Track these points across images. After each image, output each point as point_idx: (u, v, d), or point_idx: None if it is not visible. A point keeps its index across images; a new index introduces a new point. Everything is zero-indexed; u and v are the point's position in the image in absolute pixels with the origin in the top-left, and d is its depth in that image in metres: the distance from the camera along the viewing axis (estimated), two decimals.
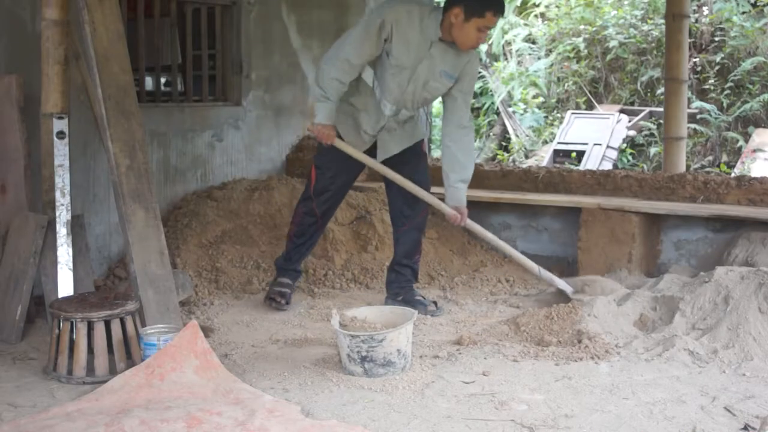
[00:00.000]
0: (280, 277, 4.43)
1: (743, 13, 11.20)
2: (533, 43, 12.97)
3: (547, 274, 4.37)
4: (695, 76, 10.84)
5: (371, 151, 4.23)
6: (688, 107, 8.19)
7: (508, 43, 13.15)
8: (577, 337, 3.65)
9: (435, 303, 4.35)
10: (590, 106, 11.63)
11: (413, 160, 4.29)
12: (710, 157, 10.56)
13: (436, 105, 11.86)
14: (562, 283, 4.33)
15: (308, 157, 5.83)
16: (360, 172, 4.40)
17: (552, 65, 12.27)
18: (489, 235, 4.35)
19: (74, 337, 3.29)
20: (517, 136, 11.70)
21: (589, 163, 9.94)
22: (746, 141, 10.12)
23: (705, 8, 11.27)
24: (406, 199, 4.29)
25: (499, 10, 3.95)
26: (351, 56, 3.97)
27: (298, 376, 3.33)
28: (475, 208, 5.47)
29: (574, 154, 10.22)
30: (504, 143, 11.93)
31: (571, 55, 12.07)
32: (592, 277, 4.47)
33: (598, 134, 10.38)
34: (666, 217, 4.92)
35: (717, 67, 10.83)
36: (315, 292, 4.65)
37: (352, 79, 4.07)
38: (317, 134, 4.08)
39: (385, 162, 4.23)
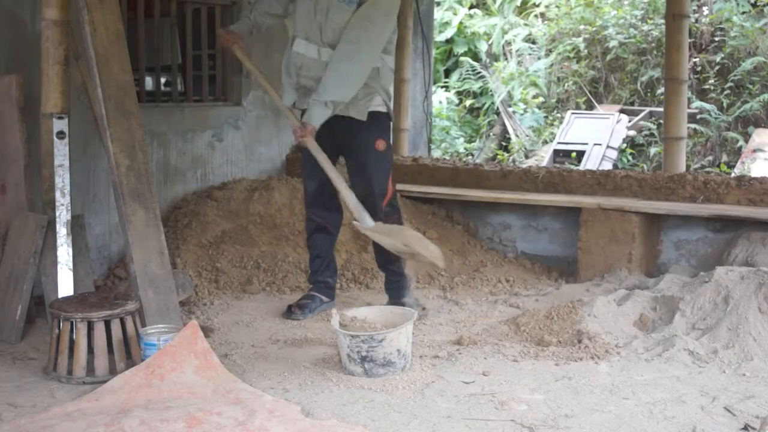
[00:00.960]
0: (310, 290, 4.37)
1: (743, 13, 11.19)
2: (533, 43, 12.97)
3: (357, 207, 3.93)
4: (695, 76, 10.83)
5: (334, 145, 4.11)
6: (688, 107, 8.17)
7: (508, 43, 13.15)
8: (577, 337, 3.65)
9: (424, 308, 4.30)
10: (590, 106, 11.63)
11: (366, 154, 4.06)
12: (710, 157, 10.56)
13: (436, 105, 11.88)
14: (367, 220, 3.92)
15: None
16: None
17: (552, 65, 12.26)
18: (323, 162, 3.96)
19: (74, 337, 3.29)
20: (517, 136, 11.70)
21: (589, 163, 9.93)
22: (746, 141, 10.12)
23: (705, 8, 11.27)
24: (369, 207, 4.10)
25: None
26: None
27: (298, 376, 3.33)
28: (476, 208, 5.50)
29: (574, 154, 10.22)
30: (504, 143, 11.93)
31: (571, 55, 12.07)
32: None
33: (598, 134, 10.37)
34: (666, 217, 4.92)
35: (717, 67, 10.83)
36: None
37: (275, 11, 4.28)
38: (221, 38, 4.27)
39: (346, 148, 4.11)
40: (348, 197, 3.94)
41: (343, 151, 4.19)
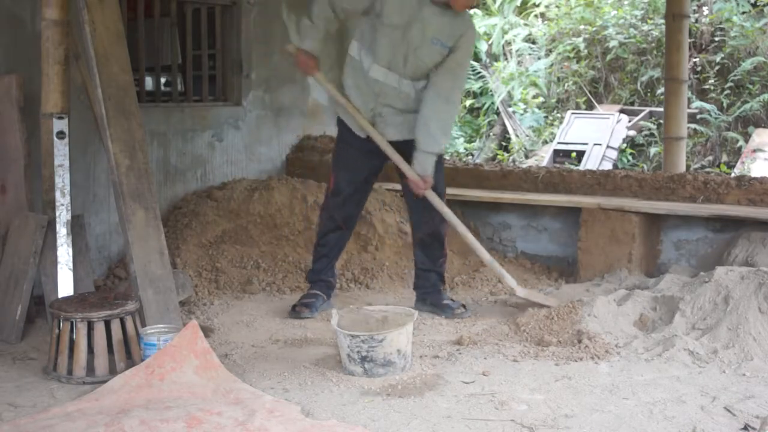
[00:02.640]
0: (311, 289, 4.36)
1: (743, 13, 11.19)
2: (533, 43, 12.96)
3: (497, 268, 4.22)
4: (695, 76, 10.83)
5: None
6: (688, 107, 8.18)
7: (508, 43, 13.14)
8: (577, 337, 3.65)
9: (464, 306, 4.31)
10: (590, 106, 11.62)
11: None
12: (710, 157, 10.55)
13: None
14: (509, 279, 4.23)
15: (308, 157, 5.84)
16: (376, 175, 4.31)
17: (552, 65, 12.26)
18: (447, 211, 4.17)
19: (74, 337, 3.29)
20: (517, 136, 11.69)
21: (589, 163, 9.93)
22: (746, 141, 10.11)
23: (705, 8, 11.26)
24: (418, 206, 4.25)
25: None
26: (343, 2, 3.95)
27: (298, 376, 3.33)
28: (475, 208, 5.50)
29: (574, 154, 10.22)
30: (504, 143, 11.92)
31: (571, 55, 12.06)
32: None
33: (598, 134, 10.37)
34: (666, 217, 4.92)
35: (717, 67, 10.82)
36: None
37: (335, 26, 4.04)
38: (298, 61, 4.03)
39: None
40: (490, 261, 4.19)
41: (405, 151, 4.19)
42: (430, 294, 4.32)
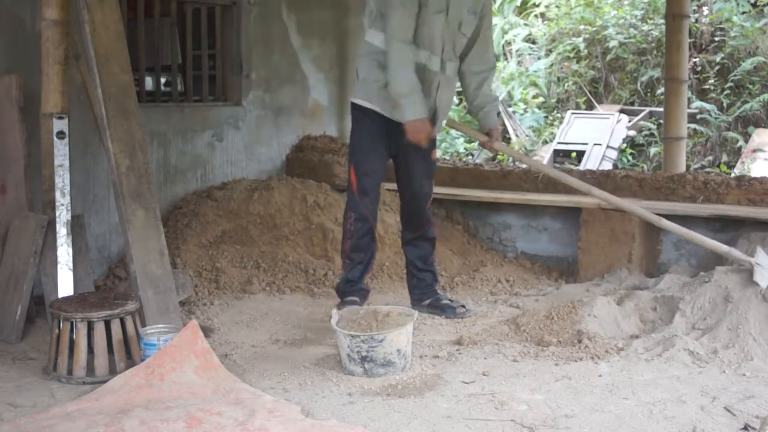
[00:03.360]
0: (347, 297, 4.11)
1: (743, 13, 11.20)
2: (533, 43, 12.97)
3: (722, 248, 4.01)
4: (695, 76, 10.84)
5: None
6: (688, 107, 8.19)
7: (508, 43, 13.15)
8: (577, 337, 3.65)
9: (464, 305, 4.30)
10: (590, 106, 11.63)
11: (423, 162, 4.19)
12: (710, 157, 10.56)
13: None
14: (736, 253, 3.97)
15: (308, 157, 5.84)
16: (386, 165, 4.25)
17: (552, 65, 12.26)
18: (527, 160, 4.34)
19: (74, 337, 3.29)
20: (517, 136, 11.69)
21: (589, 163, 9.94)
22: (746, 141, 10.12)
23: (705, 8, 11.27)
24: (416, 210, 4.24)
25: None
26: (407, 35, 3.86)
27: (298, 376, 3.34)
28: (475, 208, 5.51)
29: (574, 154, 10.22)
30: (504, 143, 11.93)
31: (571, 55, 12.07)
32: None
33: (598, 134, 10.38)
34: (666, 217, 4.90)
35: (717, 67, 10.83)
36: (315, 292, 4.65)
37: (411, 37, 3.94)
38: (413, 131, 3.90)
39: (401, 154, 4.14)
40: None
41: (399, 153, 4.16)
42: (428, 294, 4.31)
